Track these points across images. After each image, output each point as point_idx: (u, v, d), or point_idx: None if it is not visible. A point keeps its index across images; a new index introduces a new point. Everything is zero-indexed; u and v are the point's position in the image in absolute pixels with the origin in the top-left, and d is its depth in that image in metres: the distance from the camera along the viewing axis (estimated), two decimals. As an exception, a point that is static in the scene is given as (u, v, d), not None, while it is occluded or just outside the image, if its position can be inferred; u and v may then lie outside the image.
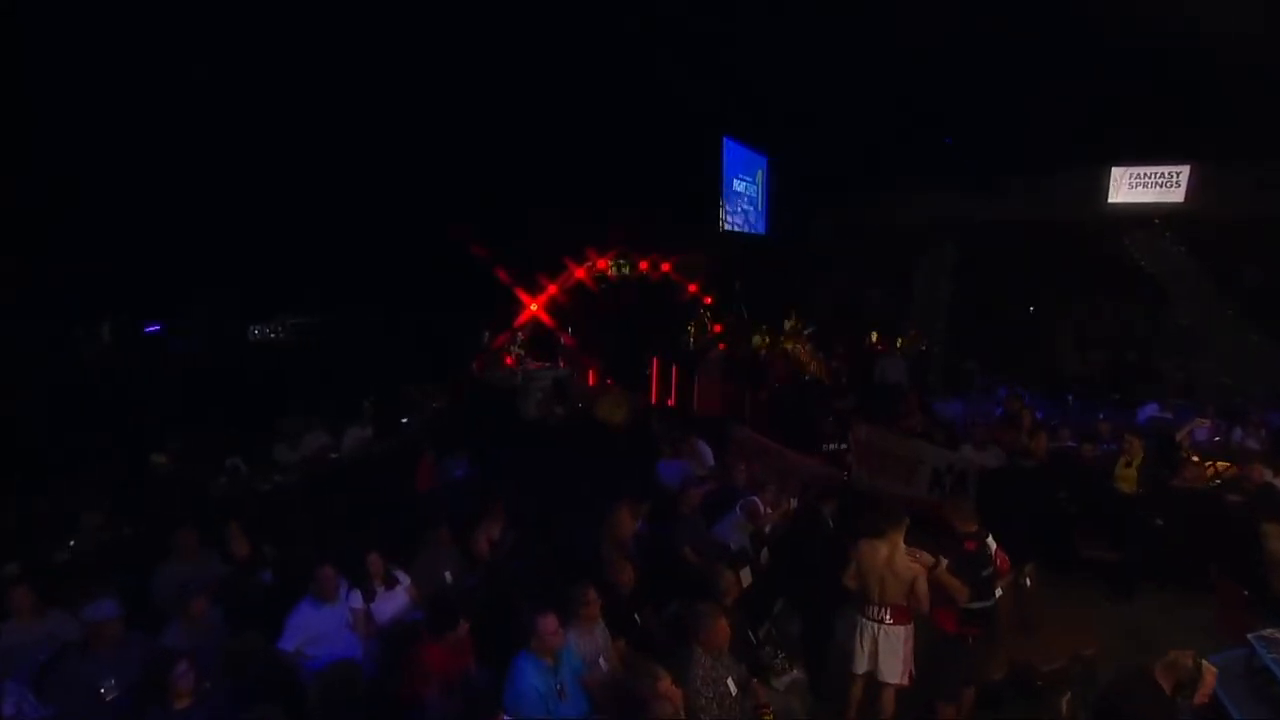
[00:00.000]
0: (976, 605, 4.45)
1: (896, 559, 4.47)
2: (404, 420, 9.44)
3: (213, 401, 8.74)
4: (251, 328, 11.43)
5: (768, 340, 14.22)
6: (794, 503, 6.45)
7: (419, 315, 10.93)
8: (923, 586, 4.41)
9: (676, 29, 14.13)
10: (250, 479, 7.10)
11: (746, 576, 5.71)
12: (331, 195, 10.22)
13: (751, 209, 17.90)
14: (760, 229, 18.50)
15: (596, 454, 8.43)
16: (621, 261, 12.57)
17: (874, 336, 14.21)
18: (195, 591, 4.31)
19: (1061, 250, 16.09)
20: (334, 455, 8.13)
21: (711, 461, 8.07)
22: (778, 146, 18.50)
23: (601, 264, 12.29)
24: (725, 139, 15.97)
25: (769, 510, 6.48)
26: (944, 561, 4.44)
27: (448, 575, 5.31)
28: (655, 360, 12.61)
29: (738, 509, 6.40)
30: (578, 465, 7.89)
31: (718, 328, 14.16)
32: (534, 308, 11.68)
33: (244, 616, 4.48)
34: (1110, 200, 15.98)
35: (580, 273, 12.03)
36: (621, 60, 13.33)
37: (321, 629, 4.40)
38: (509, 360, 11.15)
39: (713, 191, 15.85)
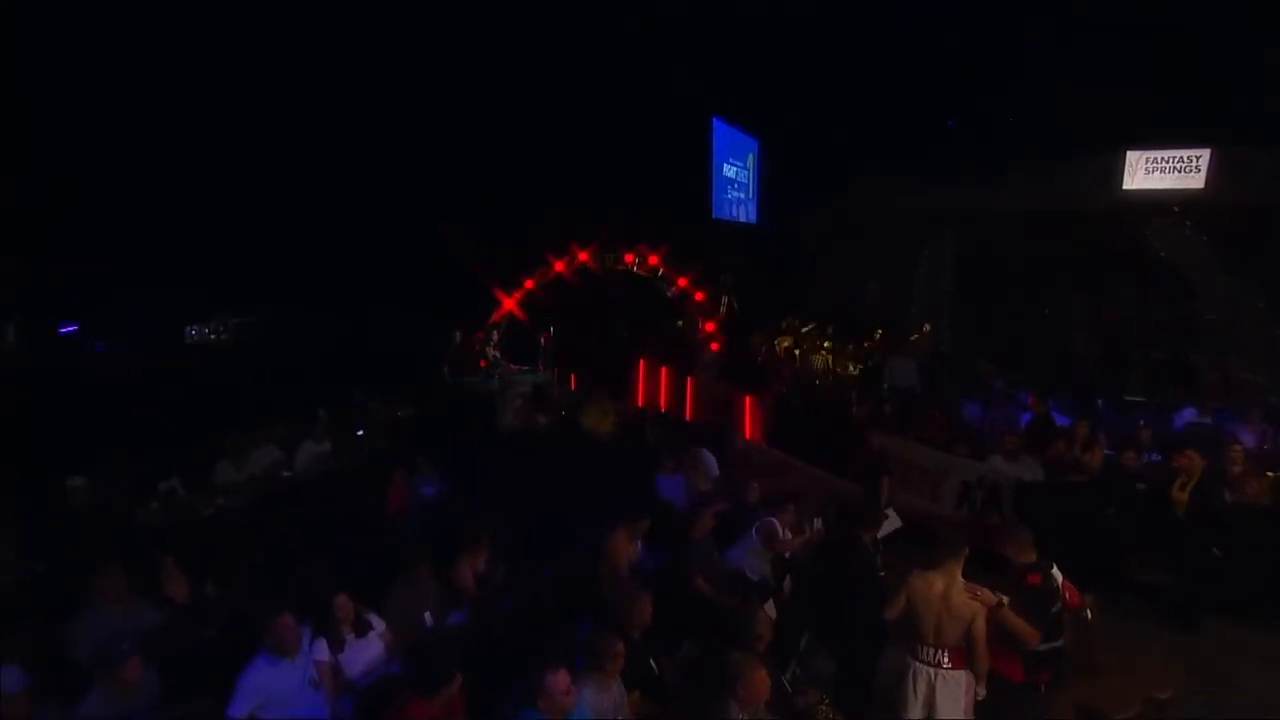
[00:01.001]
0: (1045, 647, 4.13)
1: (954, 595, 4.13)
2: (365, 432, 8.94)
3: (142, 413, 8.21)
4: (188, 328, 10.86)
5: (766, 339, 13.98)
6: (819, 524, 6.08)
7: (381, 314, 10.44)
8: (981, 627, 4.08)
9: (663, 3, 13.83)
10: (188, 504, 6.57)
11: (771, 611, 5.36)
12: (282, 181, 9.73)
13: (742, 196, 17.65)
14: (751, 218, 18.25)
15: (586, 468, 8.01)
16: (606, 254, 12.11)
17: (877, 335, 13.95)
18: (124, 648, 3.79)
19: (1073, 241, 16.03)
20: (287, 474, 7.66)
21: (716, 474, 7.71)
22: (769, 129, 18.27)
23: (583, 256, 11.80)
24: (715, 120, 15.65)
25: (788, 534, 6.11)
26: (1005, 599, 4.11)
27: (428, 616, 4.86)
28: (641, 361, 12.30)
29: (753, 532, 6.02)
30: (566, 481, 7.42)
31: (710, 325, 13.83)
32: (510, 304, 11.17)
33: (184, 677, 3.97)
34: (1125, 186, 15.94)
35: (560, 266, 11.55)
36: (603, 37, 12.98)
37: (280, 689, 3.92)
38: (483, 363, 10.69)
39: (702, 176, 15.55)
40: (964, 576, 4.22)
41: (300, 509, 6.75)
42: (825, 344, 14.15)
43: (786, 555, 6.04)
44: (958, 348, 14.49)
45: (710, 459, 7.80)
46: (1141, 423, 8.21)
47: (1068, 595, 4.32)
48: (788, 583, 5.89)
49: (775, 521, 6.05)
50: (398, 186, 10.40)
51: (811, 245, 19.55)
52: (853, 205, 19.37)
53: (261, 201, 9.31)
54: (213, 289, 10.51)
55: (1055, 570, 4.28)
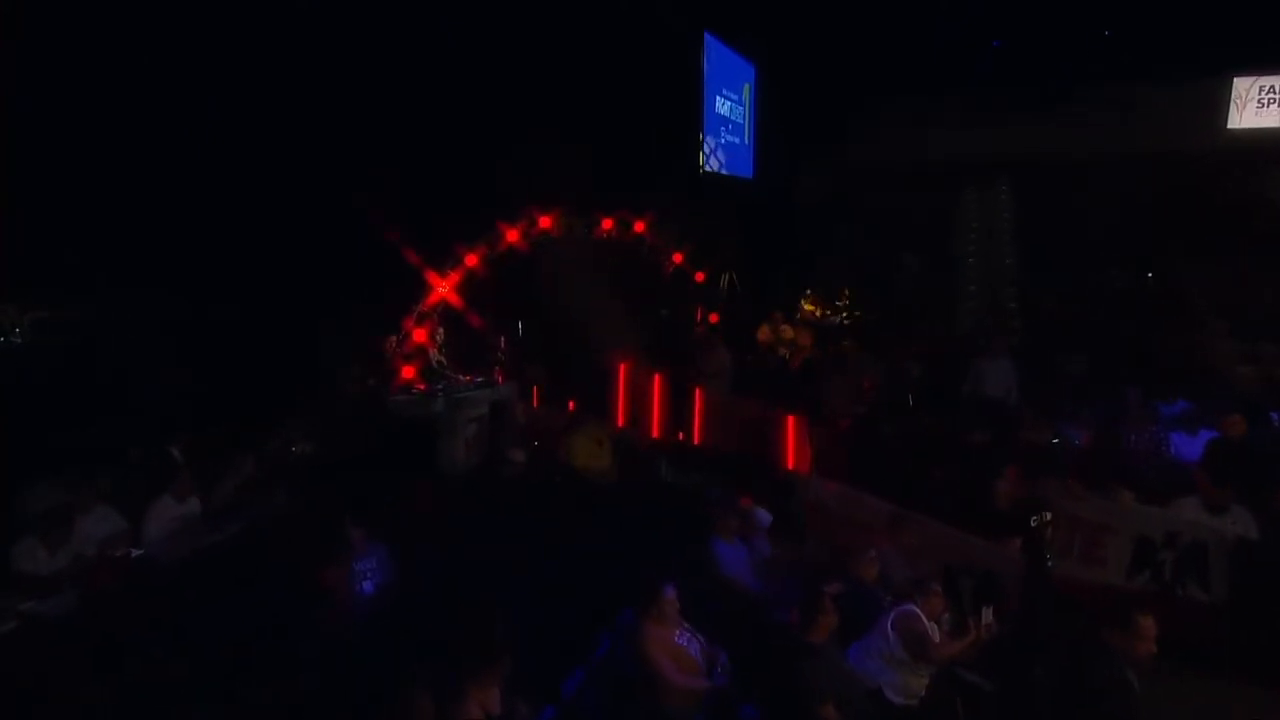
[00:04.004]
0: None
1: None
2: (252, 478, 7.78)
3: None
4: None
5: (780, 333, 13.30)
6: (989, 617, 5.22)
7: (260, 304, 9.27)
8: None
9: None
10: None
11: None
12: (96, 99, 8.46)
13: (737, 141, 16.92)
14: (746, 172, 17.54)
15: (589, 528, 7.08)
16: (574, 219, 11.33)
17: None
18: None
19: (1165, 198, 15.82)
20: (135, 553, 6.43)
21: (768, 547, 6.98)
22: (768, 53, 17.58)
23: (545, 222, 10.92)
24: (707, 36, 14.83)
25: (934, 625, 5.26)
26: None
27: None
28: (623, 367, 11.52)
29: (888, 629, 5.15)
30: (562, 550, 6.57)
31: (714, 316, 13.09)
32: (445, 289, 10.13)
33: None
34: (1230, 125, 15.83)
35: (514, 235, 10.59)
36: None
37: None
38: (408, 372, 9.61)
39: (690, 113, 14.73)
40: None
41: (169, 612, 5.52)
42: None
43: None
44: (1035, 340, 14.01)
45: (764, 516, 7.07)
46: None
47: None
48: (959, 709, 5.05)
49: (918, 612, 5.19)
50: (284, 121, 9.23)
51: (823, 207, 19.00)
52: (874, 154, 18.87)
53: (67, 132, 8.02)
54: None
55: None
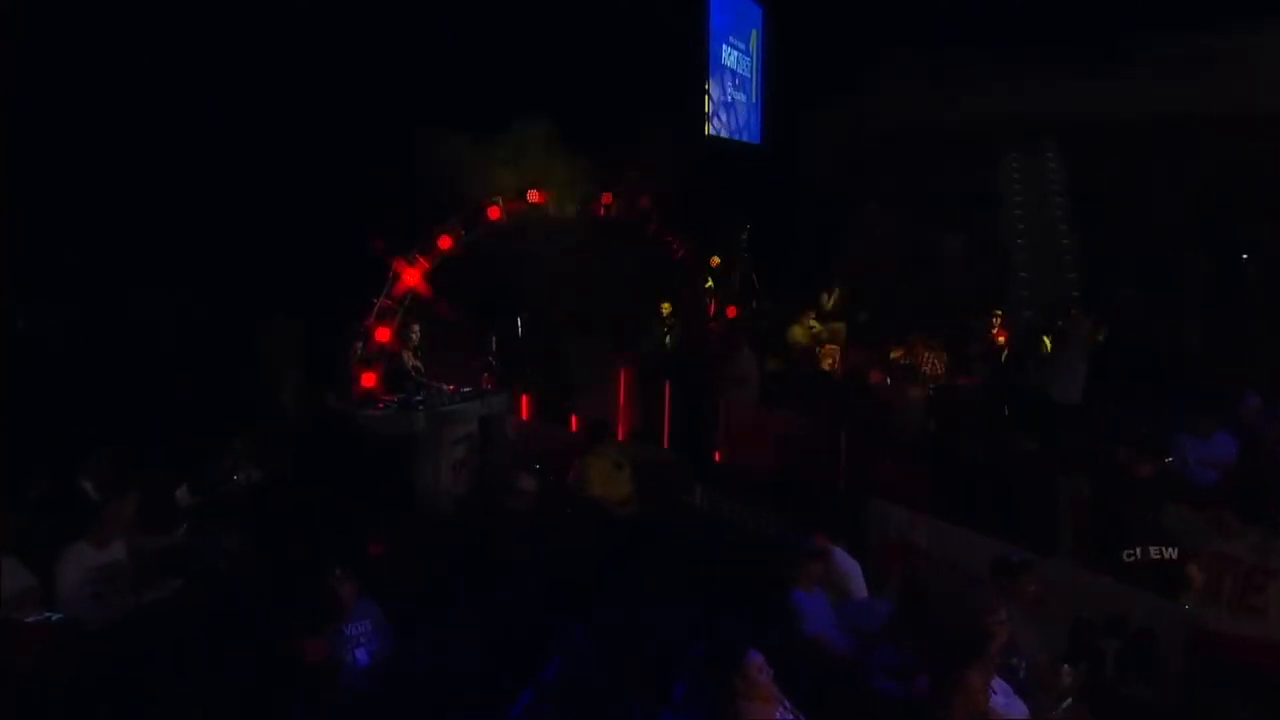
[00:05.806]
0: None
1: None
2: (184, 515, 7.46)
3: None
4: None
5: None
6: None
7: (190, 297, 8.97)
8: None
9: None
10: None
11: None
12: None
13: (744, 99, 16.83)
14: (754, 137, 17.42)
15: (627, 576, 6.81)
16: (568, 193, 11.24)
17: (996, 322, 13.50)
18: None
19: (1240, 162, 15.83)
20: (53, 618, 5.90)
21: (864, 588, 6.78)
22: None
23: (535, 196, 10.78)
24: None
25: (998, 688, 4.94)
26: None
27: None
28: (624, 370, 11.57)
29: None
30: (603, 609, 6.38)
31: (731, 311, 12.87)
32: (413, 278, 9.89)
33: None
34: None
35: (495, 212, 10.37)
36: None
37: None
38: (369, 379, 9.28)
39: (694, 62, 14.54)
40: None
41: (104, 697, 5.11)
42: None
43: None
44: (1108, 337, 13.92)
45: (849, 561, 6.82)
46: None
47: None
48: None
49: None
50: (219, 89, 9.01)
51: (840, 179, 18.85)
52: (898, 117, 18.73)
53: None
54: None
55: None
